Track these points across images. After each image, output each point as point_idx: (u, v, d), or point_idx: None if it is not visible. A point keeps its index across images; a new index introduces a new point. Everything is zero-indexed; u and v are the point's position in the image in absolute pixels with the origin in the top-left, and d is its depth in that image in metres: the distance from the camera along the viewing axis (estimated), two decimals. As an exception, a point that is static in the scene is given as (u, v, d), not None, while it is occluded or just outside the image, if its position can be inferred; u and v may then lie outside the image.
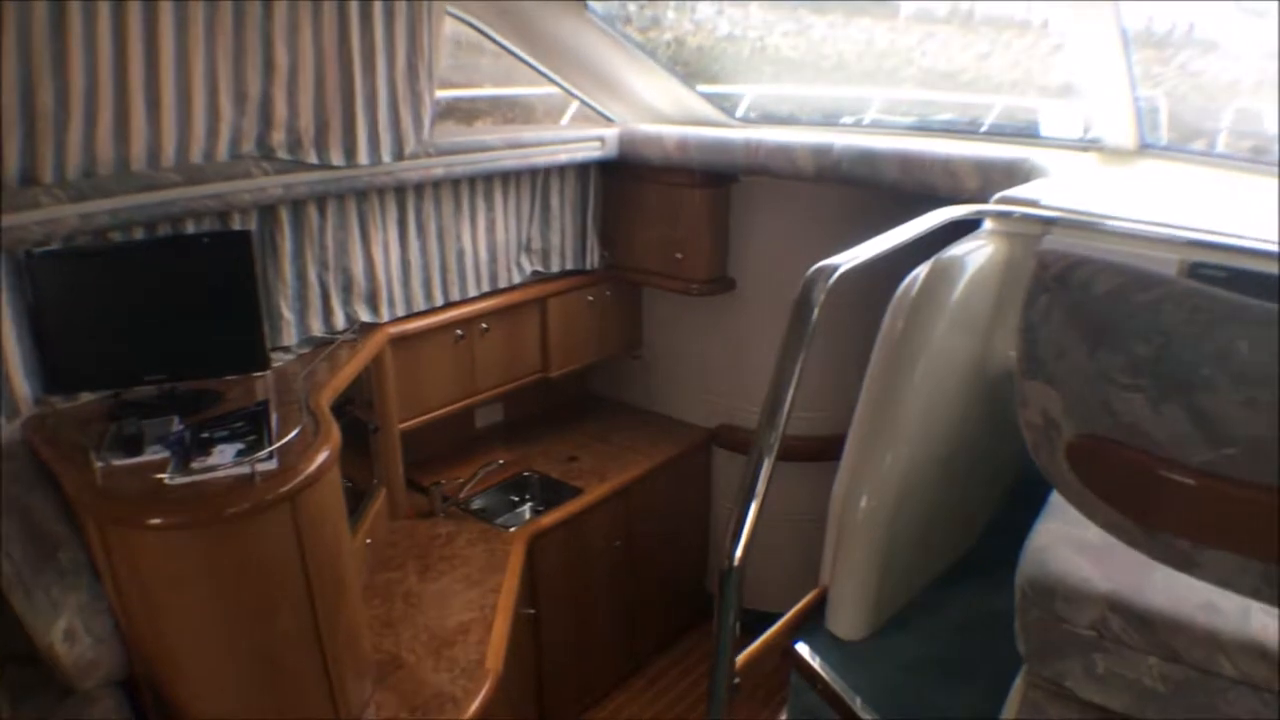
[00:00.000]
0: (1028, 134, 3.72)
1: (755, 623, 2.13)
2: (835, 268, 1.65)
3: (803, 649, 2.13)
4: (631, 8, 4.95)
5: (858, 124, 4.37)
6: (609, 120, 3.91)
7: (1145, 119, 3.26)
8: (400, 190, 3.13)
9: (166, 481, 2.03)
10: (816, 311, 1.58)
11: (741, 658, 1.89)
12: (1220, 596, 1.27)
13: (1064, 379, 1.04)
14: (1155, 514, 1.07)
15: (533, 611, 3.36)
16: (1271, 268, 2.19)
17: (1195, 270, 2.21)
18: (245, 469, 2.07)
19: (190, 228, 2.58)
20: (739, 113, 4.17)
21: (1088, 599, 1.43)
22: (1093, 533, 1.17)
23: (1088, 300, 1.01)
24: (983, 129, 4.48)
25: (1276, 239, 2.22)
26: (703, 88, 4.02)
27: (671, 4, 5.87)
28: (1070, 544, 1.54)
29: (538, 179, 3.67)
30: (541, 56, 3.59)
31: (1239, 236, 2.21)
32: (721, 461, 4.23)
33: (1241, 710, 1.35)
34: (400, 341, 3.19)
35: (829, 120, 4.20)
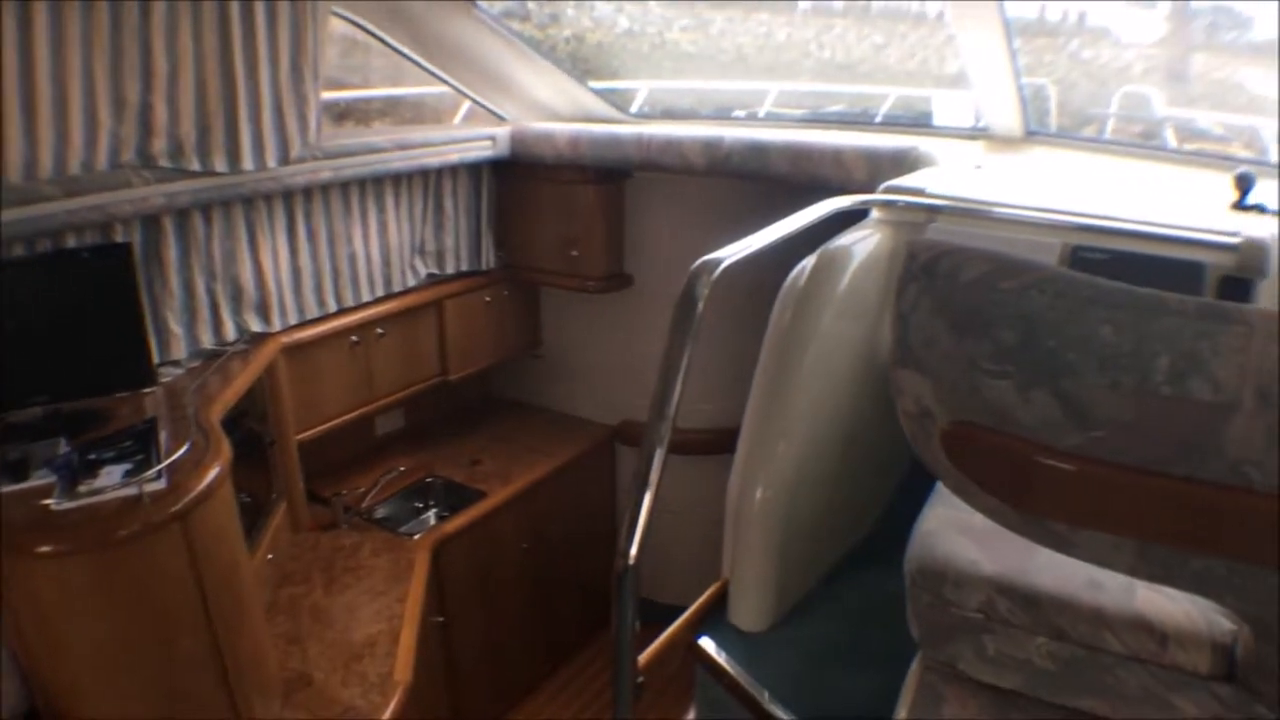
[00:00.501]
0: (921, 123, 3.85)
1: (667, 616, 2.18)
2: (718, 262, 1.69)
3: (706, 643, 2.17)
4: (531, 5, 4.98)
5: (752, 117, 4.46)
6: (501, 119, 3.91)
7: (1035, 106, 3.39)
8: (288, 196, 3.09)
9: (53, 507, 1.99)
10: (701, 306, 1.62)
11: (645, 656, 1.90)
12: (1104, 574, 1.31)
13: (934, 367, 1.07)
14: (1030, 498, 1.10)
15: (442, 619, 3.35)
16: (1151, 249, 2.31)
17: (1077, 253, 2.32)
18: (133, 490, 2.04)
19: (71, 242, 2.51)
20: (634, 108, 4.22)
21: (974, 582, 1.47)
22: (979, 517, 1.20)
23: (955, 289, 1.04)
24: (877, 119, 4.60)
25: (1156, 221, 2.34)
26: (600, 84, 4.06)
27: (571, 1, 5.91)
28: (957, 528, 1.58)
29: (430, 180, 3.66)
30: (431, 56, 3.58)
31: (1119, 219, 2.33)
32: (625, 458, 4.28)
33: (1130, 684, 1.39)
34: (294, 350, 3.15)
35: (722, 114, 4.27)
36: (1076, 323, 0.97)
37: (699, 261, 1.69)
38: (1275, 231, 2.36)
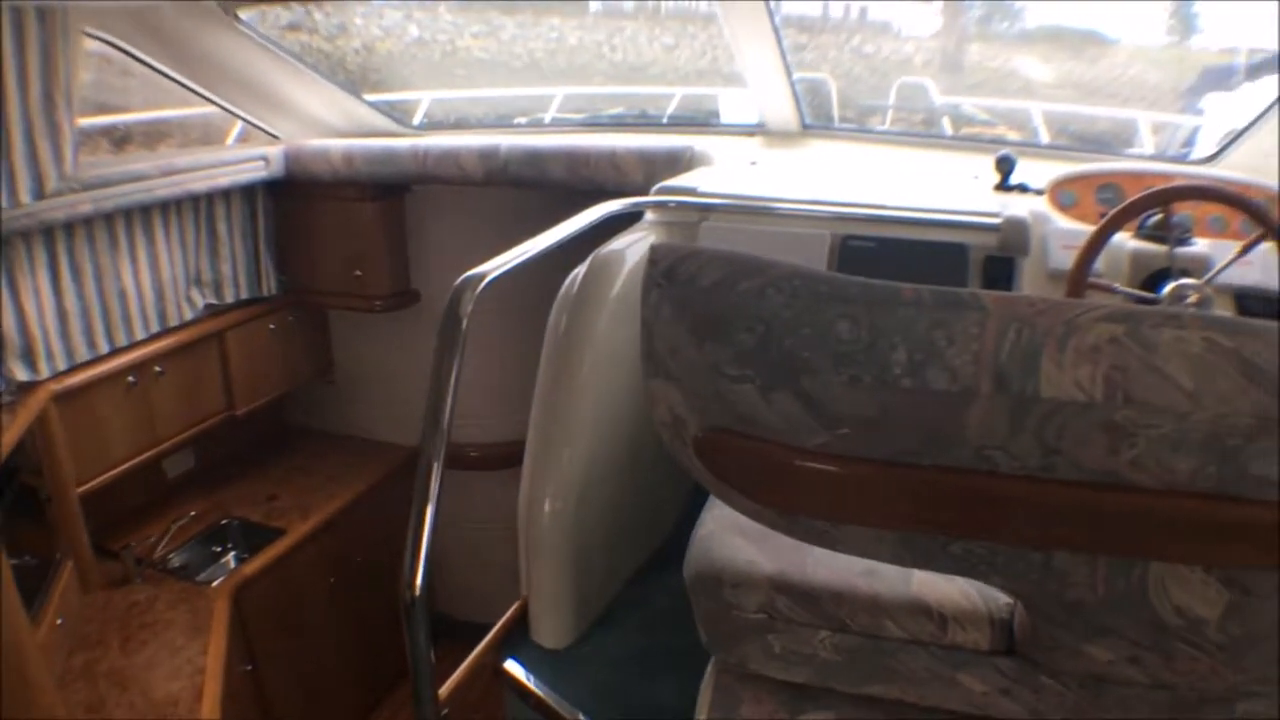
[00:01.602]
0: (707, 122, 4.02)
1: (479, 637, 2.22)
2: (482, 276, 1.75)
3: (512, 665, 2.20)
4: (318, 16, 4.93)
5: (537, 123, 4.56)
6: (275, 138, 3.88)
7: (816, 101, 3.61)
8: (48, 232, 2.99)
9: None
10: (465, 322, 1.67)
11: (448, 686, 1.93)
12: (880, 563, 1.34)
13: (681, 375, 1.09)
14: (786, 499, 1.14)
15: (250, 666, 3.31)
16: (918, 234, 2.50)
17: (847, 244, 2.49)
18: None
19: None
20: (416, 119, 4.26)
21: (753, 583, 1.49)
22: None
23: (694, 293, 1.07)
24: (664, 120, 4.77)
25: (920, 206, 2.54)
26: (388, 95, 4.08)
27: (360, 11, 5.87)
28: (733, 530, 1.60)
29: (200, 206, 3.60)
30: (196, 75, 3.52)
31: (884, 208, 2.51)
32: (428, 477, 4.26)
33: (916, 667, 1.45)
34: (66, 397, 3.04)
35: (503, 121, 4.36)
36: (812, 321, 1.00)
37: (462, 277, 1.74)
38: (1035, 210, 2.60)
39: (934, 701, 1.48)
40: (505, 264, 1.84)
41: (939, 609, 1.41)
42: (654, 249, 1.11)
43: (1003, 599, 1.40)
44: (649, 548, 2.62)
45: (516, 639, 2.28)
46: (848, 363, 0.99)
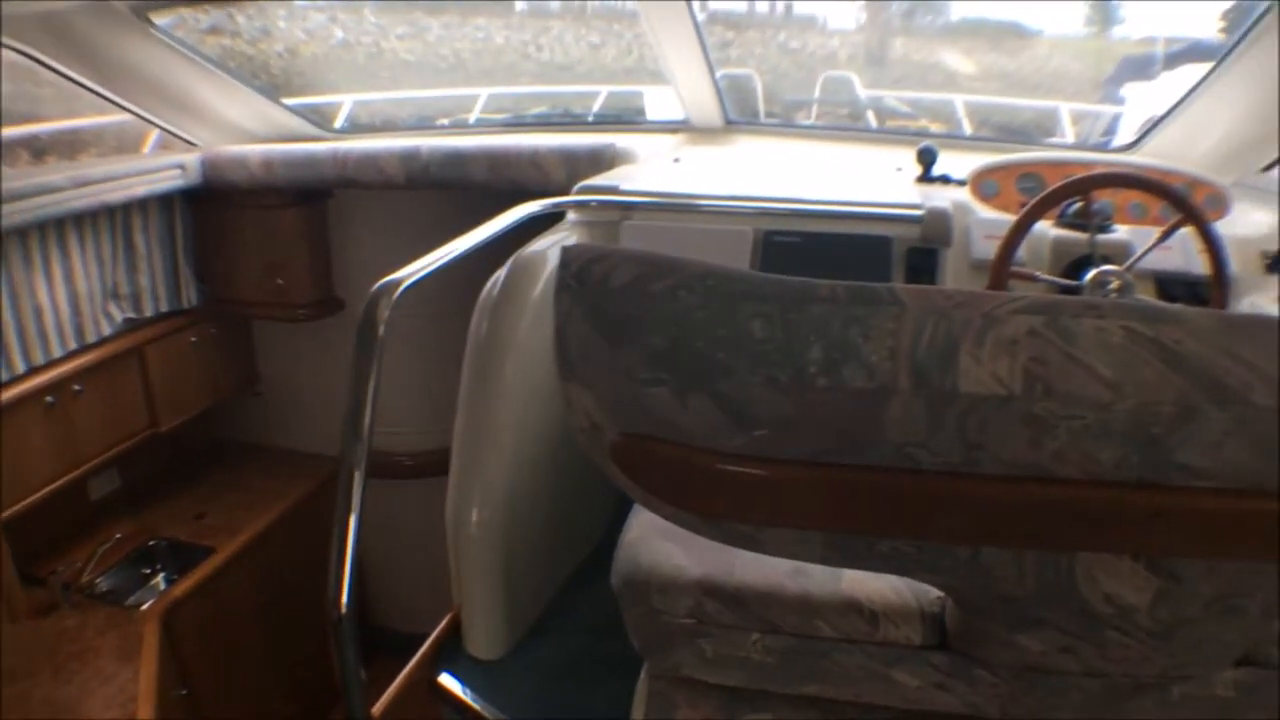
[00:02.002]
0: (632, 119, 4.01)
1: (419, 649, 2.19)
2: (399, 281, 1.73)
3: (446, 678, 2.17)
4: (241, 19, 4.86)
5: (459, 124, 4.53)
6: (193, 145, 3.81)
7: (742, 96, 3.62)
8: (-42, 249, 2.89)
9: None
10: (382, 328, 1.65)
11: (382, 703, 1.90)
12: (809, 563, 1.33)
13: (594, 380, 1.08)
14: (708, 504, 1.12)
15: (185, 691, 3.23)
16: (841, 228, 2.51)
17: (770, 239, 2.49)
18: None
19: None
20: (339, 122, 4.21)
21: (681, 588, 1.47)
22: None
23: (606, 296, 1.04)
24: (590, 118, 4.75)
25: (841, 200, 2.55)
26: (310, 99, 4.03)
27: (283, 14, 5.79)
28: (659, 533, 1.58)
29: (116, 217, 3.50)
30: (110, 82, 3.43)
31: (806, 202, 2.52)
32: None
33: (849, 665, 1.44)
34: (-19, 420, 2.96)
35: (427, 123, 4.32)
36: (726, 321, 0.98)
37: (378, 284, 1.72)
38: (957, 200, 2.62)
39: (870, 699, 1.48)
40: (424, 268, 1.82)
41: (869, 606, 1.40)
42: (565, 251, 1.09)
43: (934, 594, 1.40)
44: (581, 554, 2.61)
45: (450, 651, 2.26)
46: (763, 363, 0.97)
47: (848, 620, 1.41)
